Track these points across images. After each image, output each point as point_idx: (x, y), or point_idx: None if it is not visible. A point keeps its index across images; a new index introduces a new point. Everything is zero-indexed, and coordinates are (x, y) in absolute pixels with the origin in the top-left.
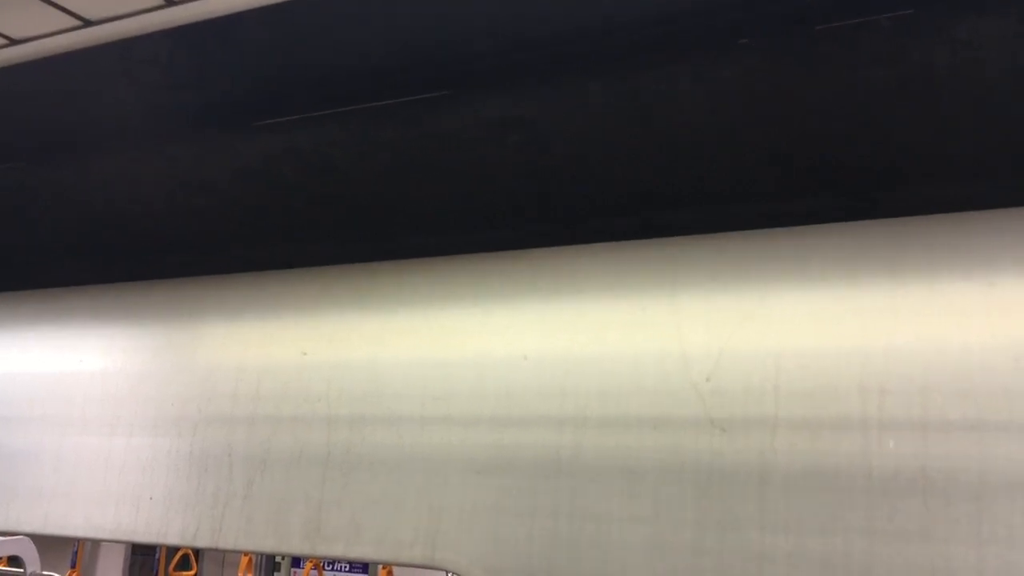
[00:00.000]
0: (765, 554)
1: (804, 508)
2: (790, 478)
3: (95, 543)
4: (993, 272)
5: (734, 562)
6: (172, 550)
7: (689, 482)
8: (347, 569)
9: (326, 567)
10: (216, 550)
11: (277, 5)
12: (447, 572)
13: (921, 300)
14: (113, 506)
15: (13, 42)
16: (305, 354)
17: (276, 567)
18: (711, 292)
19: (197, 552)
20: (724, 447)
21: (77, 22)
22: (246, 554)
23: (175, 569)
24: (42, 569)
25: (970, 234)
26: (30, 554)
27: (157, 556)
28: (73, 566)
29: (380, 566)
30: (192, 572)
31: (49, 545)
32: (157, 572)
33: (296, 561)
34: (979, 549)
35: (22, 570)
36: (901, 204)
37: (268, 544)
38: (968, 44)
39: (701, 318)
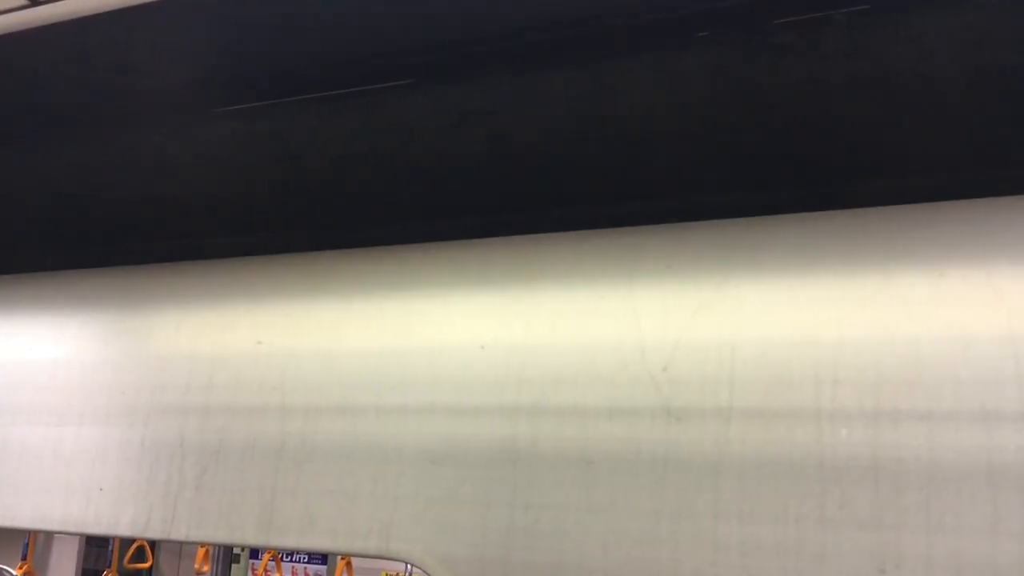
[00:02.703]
0: (719, 542)
1: (758, 496)
2: (744, 467)
3: (48, 535)
4: (944, 263)
5: (689, 551)
6: (127, 542)
7: (645, 471)
8: (306, 560)
9: (284, 558)
10: (169, 541)
11: None
12: (406, 564)
13: (874, 291)
14: (63, 497)
15: None
16: (260, 343)
17: (235, 559)
18: (668, 282)
19: (153, 544)
20: (680, 436)
21: (23, 1)
22: (201, 545)
23: (130, 561)
24: None
25: (922, 226)
26: None
27: (111, 548)
28: (24, 558)
29: (339, 557)
30: (148, 564)
31: None
32: (111, 564)
33: (255, 552)
34: (928, 537)
35: None
36: (856, 196)
37: (221, 535)
38: (923, 39)
39: (658, 308)
